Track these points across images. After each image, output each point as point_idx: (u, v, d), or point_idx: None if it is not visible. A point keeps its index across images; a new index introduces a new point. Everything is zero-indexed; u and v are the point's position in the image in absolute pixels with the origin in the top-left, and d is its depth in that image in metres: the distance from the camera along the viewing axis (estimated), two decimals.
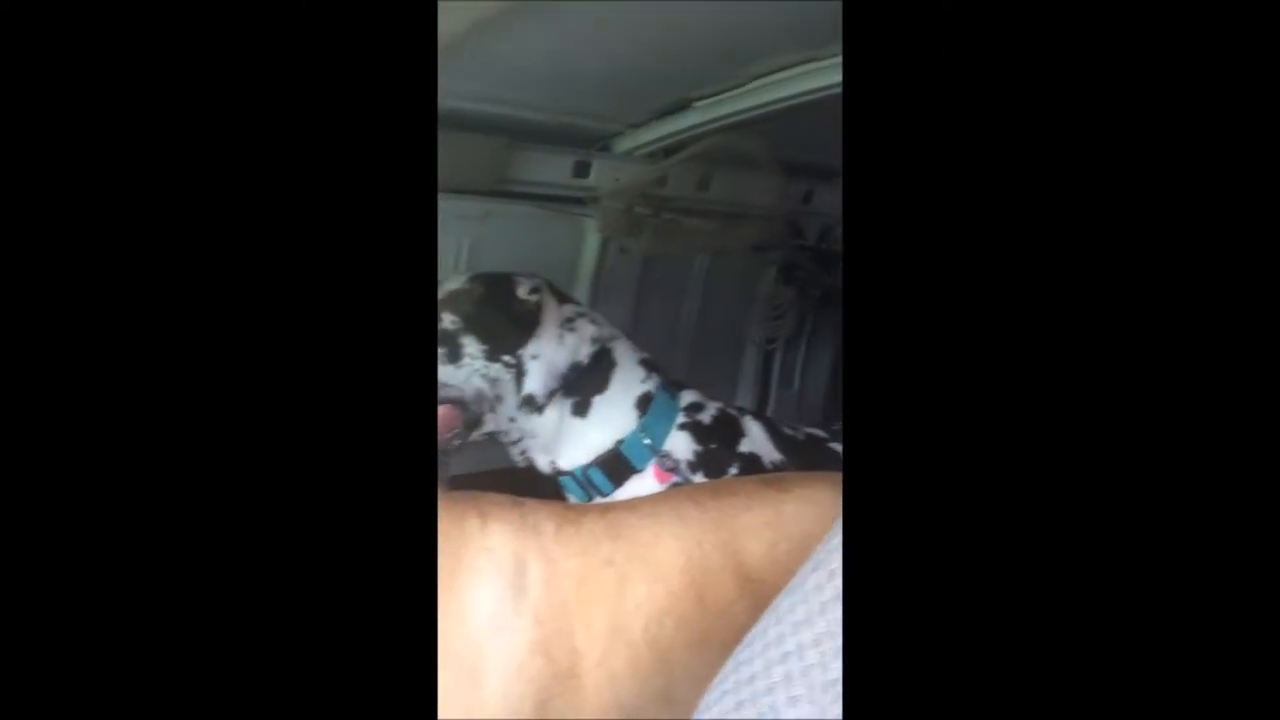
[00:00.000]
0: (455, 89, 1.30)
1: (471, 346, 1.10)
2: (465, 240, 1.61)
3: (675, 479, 1.13)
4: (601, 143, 1.57)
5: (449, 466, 1.20)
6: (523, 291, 1.14)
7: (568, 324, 1.14)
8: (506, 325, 1.11)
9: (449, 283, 1.13)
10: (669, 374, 1.23)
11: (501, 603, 0.77)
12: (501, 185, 1.53)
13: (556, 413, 1.14)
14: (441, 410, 1.12)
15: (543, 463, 1.17)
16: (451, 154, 1.46)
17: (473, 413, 1.13)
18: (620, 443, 1.14)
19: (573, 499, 1.17)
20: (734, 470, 1.16)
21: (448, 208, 1.56)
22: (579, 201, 1.62)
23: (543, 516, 0.84)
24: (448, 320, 1.10)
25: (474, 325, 1.10)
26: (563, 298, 1.19)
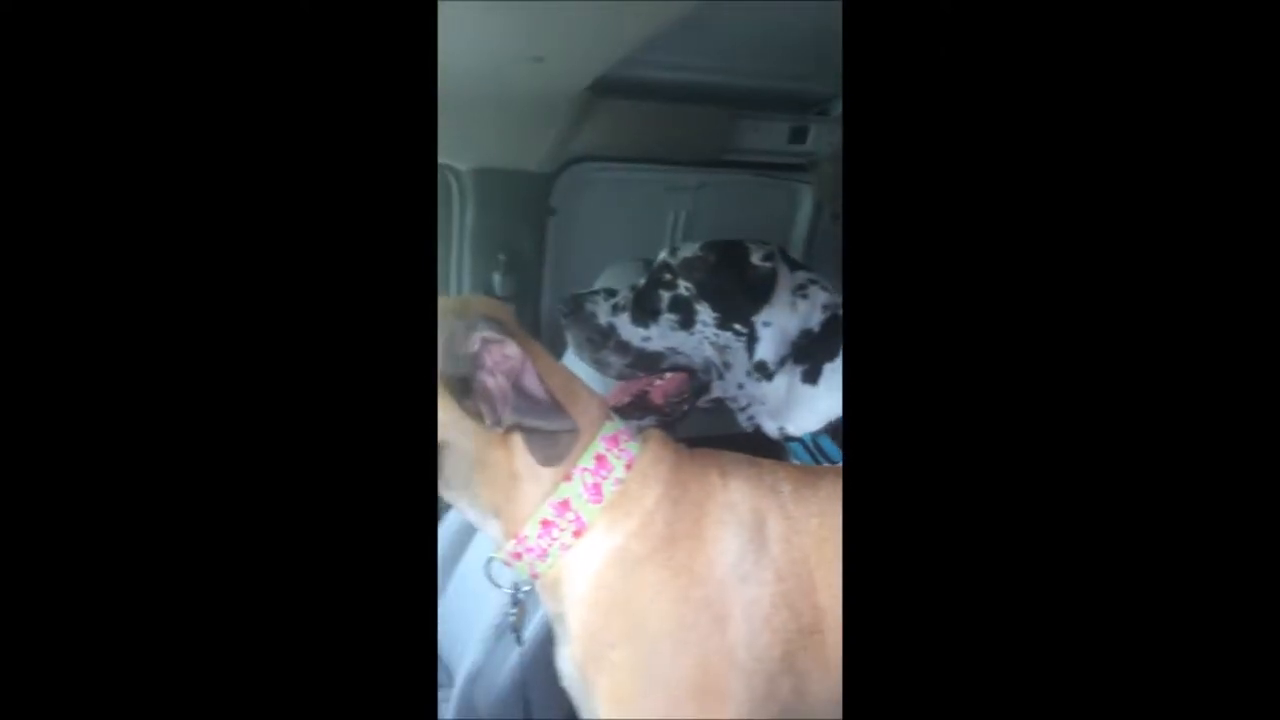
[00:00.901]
0: (674, 61, 1.33)
1: (704, 314, 1.13)
2: (681, 211, 1.65)
3: None
4: (820, 106, 1.54)
5: (675, 432, 1.25)
6: (756, 258, 1.14)
7: (800, 290, 1.14)
8: (739, 292, 1.12)
9: (682, 250, 1.17)
10: None
11: (744, 554, 0.79)
12: (720, 155, 1.54)
13: (786, 380, 1.14)
14: (672, 377, 1.16)
15: (771, 428, 1.18)
16: (671, 126, 1.50)
17: (700, 380, 1.16)
18: None
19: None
20: None
21: (663, 179, 1.61)
22: (796, 168, 1.60)
23: (780, 477, 0.86)
24: (682, 287, 1.14)
25: (707, 292, 1.13)
26: (795, 264, 1.19)
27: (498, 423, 0.76)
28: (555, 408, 0.76)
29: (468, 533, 1.40)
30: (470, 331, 0.76)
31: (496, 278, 1.49)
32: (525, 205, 1.51)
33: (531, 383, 0.76)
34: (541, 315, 1.58)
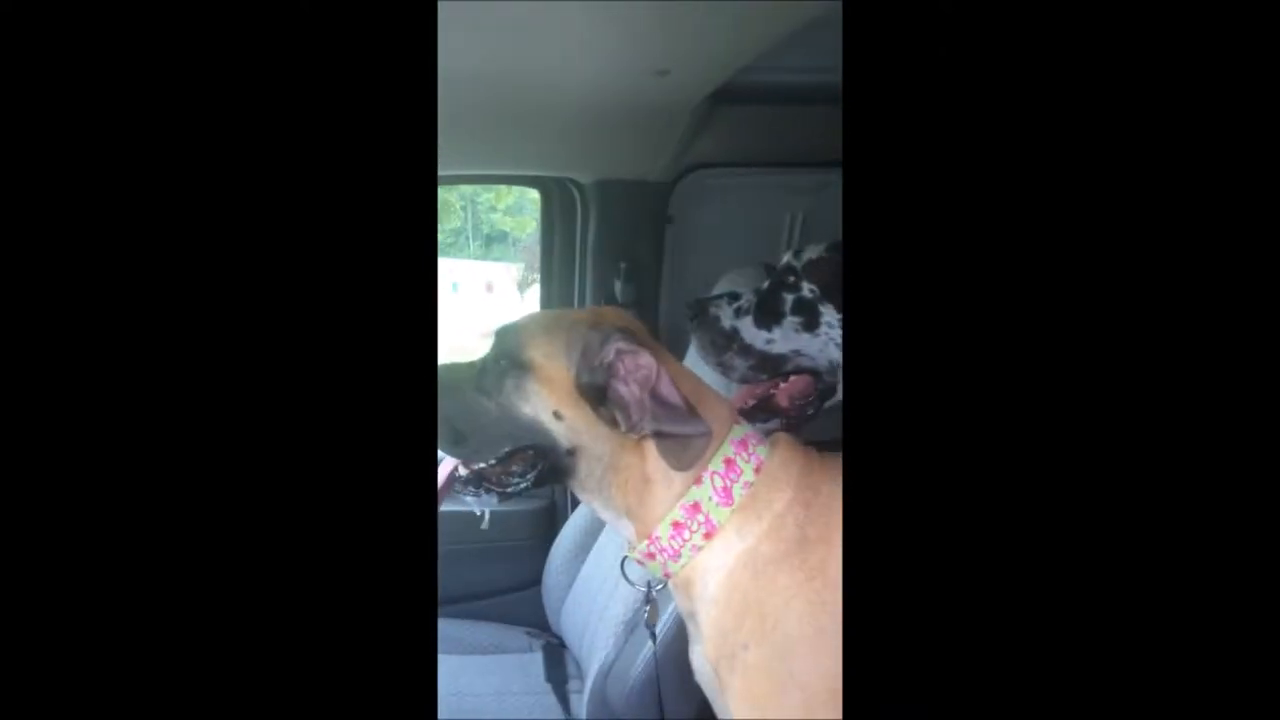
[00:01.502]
0: (792, 64, 1.32)
1: (829, 315, 1.12)
2: (799, 213, 1.64)
3: None
4: None
5: (803, 434, 1.25)
6: None
7: None
8: None
9: (807, 252, 1.17)
10: None
11: None
12: (838, 155, 1.52)
13: None
14: (796, 379, 1.16)
15: None
16: (789, 129, 1.49)
17: (826, 382, 1.15)
18: None
19: None
20: None
21: (781, 182, 1.61)
22: None
23: None
24: (805, 289, 1.14)
25: (832, 294, 1.12)
26: None
27: (632, 429, 0.79)
28: (690, 413, 0.79)
29: (594, 529, 1.46)
30: (605, 342, 0.80)
31: (618, 285, 1.54)
32: (645, 214, 1.55)
33: (668, 390, 0.78)
34: (660, 321, 1.62)
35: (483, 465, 0.87)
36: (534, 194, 1.68)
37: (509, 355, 0.85)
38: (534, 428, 0.84)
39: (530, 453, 0.85)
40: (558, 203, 1.63)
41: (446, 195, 8.59)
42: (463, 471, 0.88)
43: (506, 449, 0.85)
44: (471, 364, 0.89)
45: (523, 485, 0.87)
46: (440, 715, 1.21)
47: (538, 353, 0.83)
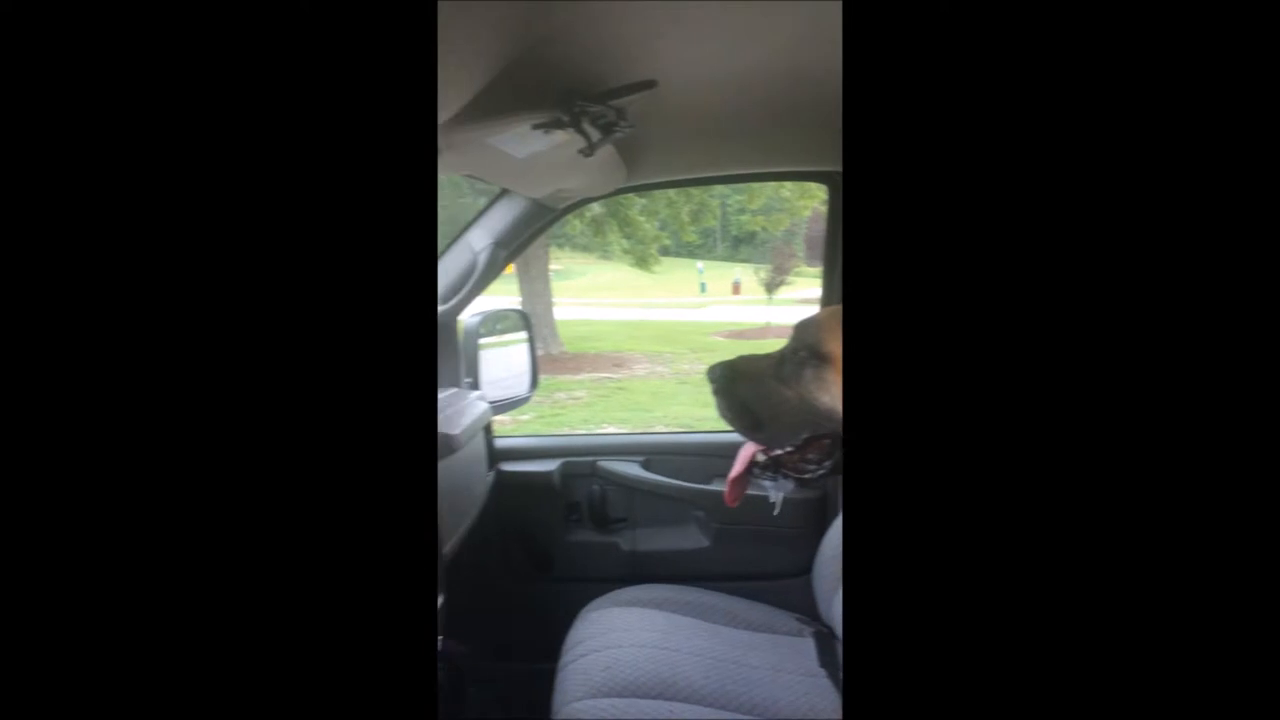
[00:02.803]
0: None
1: None
2: None
3: None
4: None
5: None
6: None
7: None
8: None
9: None
10: None
11: None
12: None
13: None
14: None
15: None
16: None
17: None
18: None
19: None
20: None
21: None
22: None
23: None
24: None
25: None
26: None
27: None
28: None
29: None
30: None
31: None
32: None
33: None
34: None
35: (780, 452, 0.93)
36: (785, 193, 1.72)
37: (809, 347, 0.90)
38: (832, 417, 0.88)
39: (827, 442, 0.90)
40: (844, 196, 1.65)
41: (703, 196, 8.81)
42: (761, 457, 0.95)
43: (805, 436, 0.90)
44: (769, 355, 0.95)
45: (820, 472, 0.91)
46: (719, 680, 1.29)
47: (838, 345, 0.88)
